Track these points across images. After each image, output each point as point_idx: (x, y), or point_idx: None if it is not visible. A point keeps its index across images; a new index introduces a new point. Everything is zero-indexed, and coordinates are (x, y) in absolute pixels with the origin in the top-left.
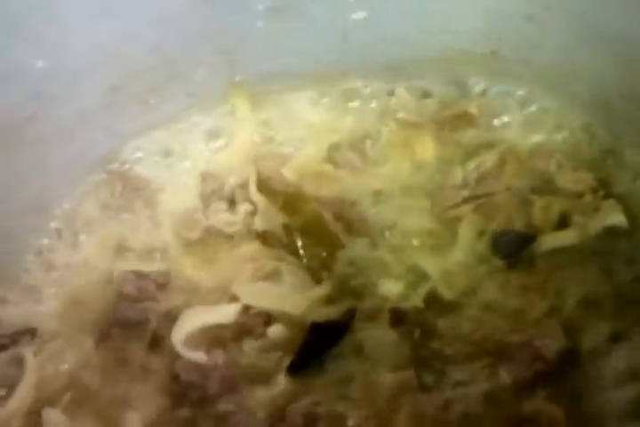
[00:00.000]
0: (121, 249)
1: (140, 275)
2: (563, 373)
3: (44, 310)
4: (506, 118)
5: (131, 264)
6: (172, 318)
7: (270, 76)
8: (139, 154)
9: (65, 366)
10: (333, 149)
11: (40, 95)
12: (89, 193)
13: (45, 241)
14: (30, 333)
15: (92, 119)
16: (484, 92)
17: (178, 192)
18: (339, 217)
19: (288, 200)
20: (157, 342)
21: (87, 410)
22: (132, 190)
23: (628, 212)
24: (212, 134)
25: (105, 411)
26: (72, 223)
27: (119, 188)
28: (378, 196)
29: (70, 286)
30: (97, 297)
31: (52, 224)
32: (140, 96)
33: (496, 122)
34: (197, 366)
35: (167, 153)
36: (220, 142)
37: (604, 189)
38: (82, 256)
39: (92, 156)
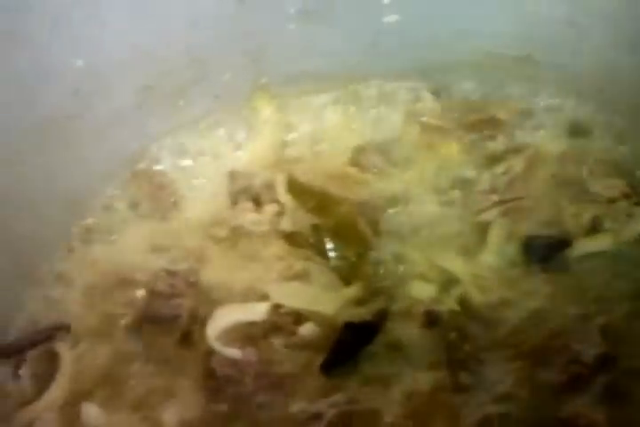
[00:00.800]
0: (151, 247)
1: (170, 272)
2: (602, 377)
3: (78, 306)
4: (535, 123)
5: (161, 262)
6: (201, 314)
7: (297, 77)
8: (166, 153)
9: (99, 362)
10: (358, 151)
11: (79, 93)
12: (119, 191)
13: (78, 237)
14: (65, 328)
15: (125, 118)
16: (513, 97)
17: (205, 191)
18: (366, 219)
19: (320, 202)
20: (187, 338)
21: (123, 404)
22: (159, 189)
23: None
24: (238, 135)
25: (141, 405)
26: (104, 221)
27: (147, 186)
28: (404, 199)
29: (103, 283)
30: (129, 294)
31: (85, 221)
32: (169, 97)
33: (525, 127)
34: (233, 362)
35: (194, 153)
36: (246, 143)
37: (636, 195)
38: (114, 254)
39: (124, 154)
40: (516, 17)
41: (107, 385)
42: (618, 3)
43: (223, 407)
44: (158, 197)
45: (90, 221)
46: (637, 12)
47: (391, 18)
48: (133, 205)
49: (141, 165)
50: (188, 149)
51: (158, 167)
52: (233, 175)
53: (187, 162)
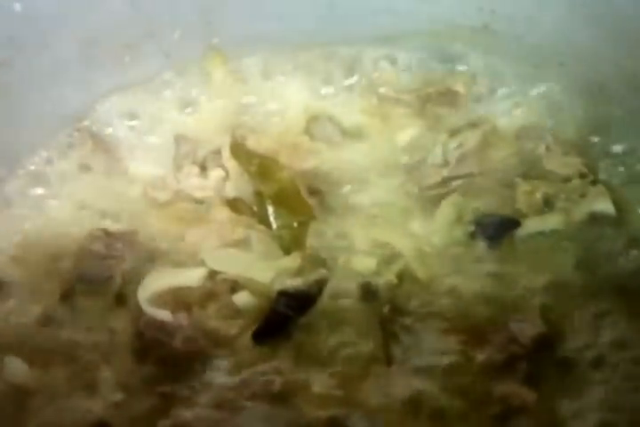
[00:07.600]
0: (91, 206)
1: (108, 233)
2: (539, 358)
3: (12, 263)
4: (493, 97)
5: (100, 222)
6: (137, 277)
7: (251, 41)
8: (113, 112)
9: (30, 319)
10: (312, 121)
11: (15, 40)
12: (60, 149)
13: (14, 194)
14: None
15: (67, 72)
16: (472, 69)
17: (149, 154)
18: (312, 189)
19: (262, 166)
20: (121, 300)
21: (52, 361)
22: (102, 150)
23: (615, 199)
24: (187, 98)
25: (72, 362)
26: (42, 178)
27: (90, 146)
28: (354, 170)
29: (38, 242)
30: (65, 253)
31: (22, 177)
32: (115, 52)
33: (482, 101)
34: (162, 325)
35: (142, 113)
36: (195, 107)
37: (592, 174)
38: (51, 212)
39: (65, 111)
40: None
41: (37, 342)
42: None
43: (151, 369)
44: (102, 156)
45: (30, 176)
46: None
47: None
48: (75, 163)
49: (86, 123)
50: (136, 109)
51: (103, 126)
52: (180, 139)
53: (133, 122)
